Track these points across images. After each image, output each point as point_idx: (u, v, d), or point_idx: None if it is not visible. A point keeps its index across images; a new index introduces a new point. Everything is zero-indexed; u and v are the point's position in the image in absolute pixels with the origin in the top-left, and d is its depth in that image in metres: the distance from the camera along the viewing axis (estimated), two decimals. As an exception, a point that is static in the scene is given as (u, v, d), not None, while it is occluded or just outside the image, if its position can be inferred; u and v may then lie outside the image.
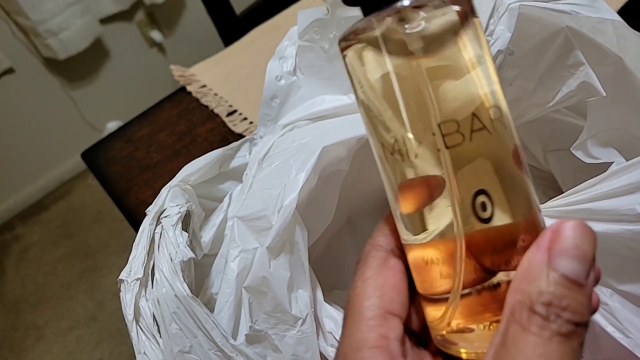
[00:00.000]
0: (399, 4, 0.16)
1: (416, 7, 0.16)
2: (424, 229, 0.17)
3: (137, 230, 0.46)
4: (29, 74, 1.40)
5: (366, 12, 0.17)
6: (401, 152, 0.16)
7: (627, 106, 0.26)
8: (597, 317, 0.25)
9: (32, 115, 1.45)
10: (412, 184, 0.17)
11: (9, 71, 1.37)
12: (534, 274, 0.13)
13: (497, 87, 0.17)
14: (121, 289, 0.24)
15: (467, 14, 0.17)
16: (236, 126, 0.55)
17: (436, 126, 0.16)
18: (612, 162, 0.26)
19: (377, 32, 0.16)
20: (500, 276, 0.16)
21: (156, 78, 1.54)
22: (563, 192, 0.24)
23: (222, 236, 0.29)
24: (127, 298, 0.23)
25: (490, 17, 0.22)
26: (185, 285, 0.22)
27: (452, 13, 0.16)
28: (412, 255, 0.18)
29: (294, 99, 0.33)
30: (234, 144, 0.33)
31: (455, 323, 0.17)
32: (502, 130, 0.17)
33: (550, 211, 0.24)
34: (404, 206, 0.17)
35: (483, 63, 0.16)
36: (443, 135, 0.16)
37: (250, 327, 0.23)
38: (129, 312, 0.23)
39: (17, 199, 1.54)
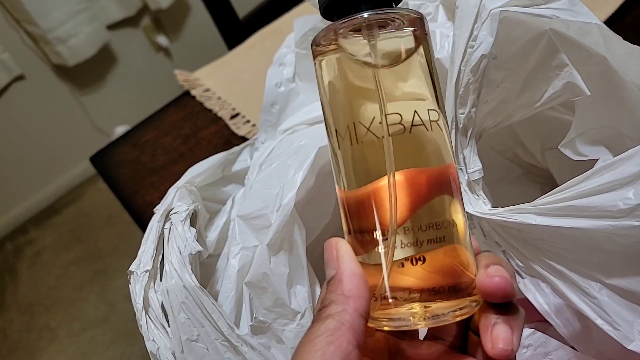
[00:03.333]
0: (362, 14, 0.19)
1: (381, 25, 0.19)
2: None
3: (144, 231, 0.47)
4: (39, 81, 1.43)
5: (338, 18, 0.21)
6: (351, 135, 0.20)
7: (613, 104, 0.27)
8: (587, 310, 0.25)
9: (42, 121, 1.48)
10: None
11: (20, 78, 1.40)
12: None
13: (438, 96, 0.20)
14: (130, 280, 0.25)
15: (421, 34, 0.20)
16: (239, 129, 0.56)
17: (384, 117, 0.19)
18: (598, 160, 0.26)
19: (341, 42, 0.20)
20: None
21: (163, 82, 1.56)
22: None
23: (225, 237, 0.30)
24: (137, 288, 0.24)
25: (475, 22, 0.23)
26: (193, 276, 0.23)
27: (408, 34, 0.20)
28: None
29: (294, 105, 0.34)
30: (236, 148, 0.34)
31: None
32: (438, 131, 0.20)
33: (538, 209, 0.25)
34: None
35: (429, 76, 0.20)
36: (388, 124, 0.19)
37: (255, 317, 0.24)
38: (138, 302, 0.24)
39: (29, 204, 1.57)
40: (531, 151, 0.41)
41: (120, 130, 1.53)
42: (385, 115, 0.19)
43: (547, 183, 0.42)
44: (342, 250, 0.19)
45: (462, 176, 0.28)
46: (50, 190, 1.59)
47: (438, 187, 0.19)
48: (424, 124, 0.19)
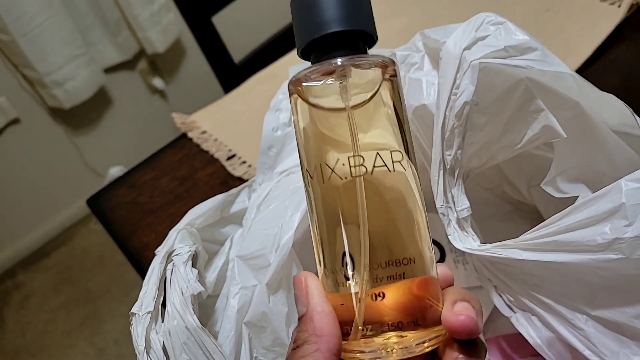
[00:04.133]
0: (337, 60, 0.20)
1: (353, 65, 0.20)
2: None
3: (140, 272, 0.47)
4: (35, 124, 1.45)
5: (313, 62, 0.22)
6: (319, 176, 0.21)
7: (588, 145, 0.29)
8: (575, 342, 0.26)
9: (36, 163, 1.49)
10: None
11: (15, 121, 1.42)
12: None
13: (406, 137, 0.21)
14: (132, 322, 0.25)
15: (389, 76, 0.21)
16: (235, 169, 0.58)
17: (356, 157, 0.20)
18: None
19: (316, 84, 0.21)
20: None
21: (158, 124, 1.59)
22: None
23: (224, 278, 0.31)
24: (139, 330, 0.25)
25: (457, 72, 0.25)
26: (195, 317, 0.24)
27: (377, 75, 0.21)
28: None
29: (290, 147, 0.36)
30: (234, 190, 0.36)
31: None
32: (400, 172, 0.20)
33: (524, 244, 0.26)
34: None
35: (394, 116, 0.21)
36: (351, 166, 0.20)
37: (255, 357, 0.25)
38: (140, 344, 0.24)
39: (19, 247, 1.55)
40: (518, 188, 0.42)
41: (114, 171, 1.54)
42: (355, 156, 0.20)
43: (536, 219, 0.43)
44: (311, 286, 0.19)
45: (451, 214, 0.29)
46: (41, 233, 1.58)
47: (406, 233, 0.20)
48: (385, 165, 0.20)
